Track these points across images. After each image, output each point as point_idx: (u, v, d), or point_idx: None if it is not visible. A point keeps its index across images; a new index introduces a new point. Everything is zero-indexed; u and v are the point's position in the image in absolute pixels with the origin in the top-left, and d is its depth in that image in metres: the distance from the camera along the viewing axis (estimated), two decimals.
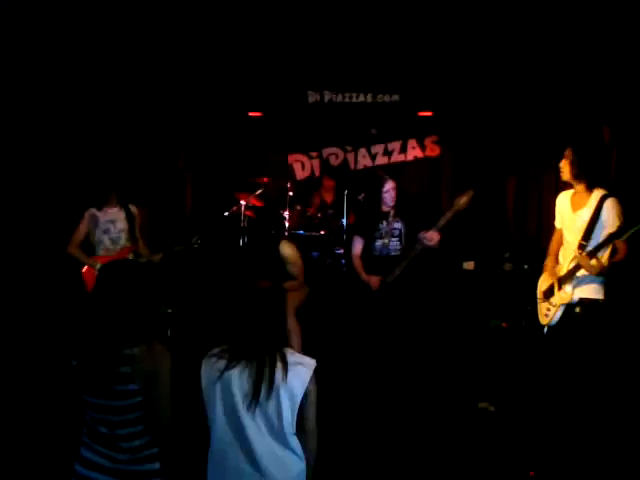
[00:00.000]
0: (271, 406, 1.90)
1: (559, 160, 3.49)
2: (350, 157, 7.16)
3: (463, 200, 3.99)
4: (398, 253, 4.34)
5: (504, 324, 5.09)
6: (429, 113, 6.62)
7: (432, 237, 4.06)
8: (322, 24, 5.23)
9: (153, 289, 2.12)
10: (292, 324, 4.05)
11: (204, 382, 1.97)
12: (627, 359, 3.98)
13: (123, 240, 4.34)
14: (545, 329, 3.54)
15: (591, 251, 3.23)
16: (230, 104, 6.46)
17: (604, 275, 3.29)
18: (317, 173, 7.18)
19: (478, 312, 5.29)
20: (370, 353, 4.24)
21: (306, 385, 1.92)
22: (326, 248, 6.06)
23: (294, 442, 1.94)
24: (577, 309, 3.39)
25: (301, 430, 1.95)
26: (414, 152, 7.07)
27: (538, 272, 3.75)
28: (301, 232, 6.03)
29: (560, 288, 3.44)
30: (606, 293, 3.37)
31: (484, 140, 6.55)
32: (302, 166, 7.25)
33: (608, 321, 3.49)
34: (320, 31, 5.38)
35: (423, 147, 7.05)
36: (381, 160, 7.12)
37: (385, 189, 4.34)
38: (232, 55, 5.72)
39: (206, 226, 6.09)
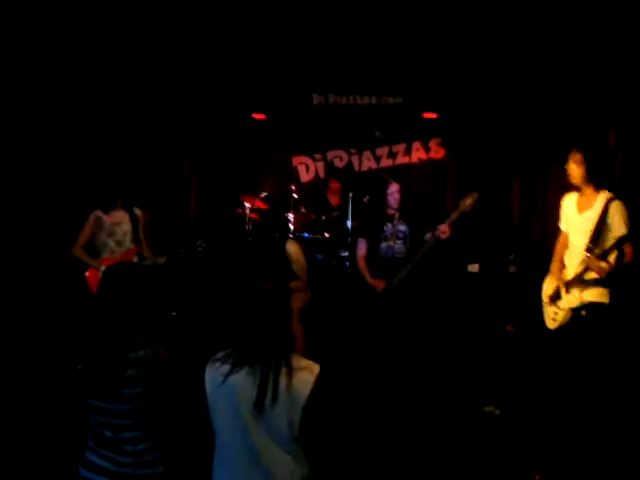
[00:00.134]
0: (275, 411, 1.88)
1: (564, 163, 3.49)
2: (354, 159, 7.15)
3: (468, 202, 4.00)
4: (403, 255, 4.34)
5: (509, 327, 5.07)
6: (434, 115, 6.59)
7: (445, 230, 4.08)
8: (326, 26, 5.22)
9: (158, 292, 2.13)
10: (295, 327, 4.04)
11: (208, 386, 1.96)
12: (633, 363, 3.95)
13: (127, 242, 4.35)
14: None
15: (600, 254, 3.22)
16: (234, 107, 6.46)
17: (609, 279, 3.28)
18: (322, 175, 7.18)
19: (483, 315, 5.27)
20: (375, 356, 4.23)
21: (310, 390, 1.91)
22: (331, 251, 6.05)
23: (298, 447, 1.93)
24: (583, 312, 3.38)
25: (305, 435, 1.94)
26: (418, 154, 7.05)
27: (543, 275, 3.74)
28: (306, 235, 6.03)
29: (568, 291, 3.42)
30: (611, 297, 3.36)
31: (489, 142, 6.53)
32: (307, 168, 7.24)
33: (614, 325, 3.48)
34: (324, 33, 5.37)
35: (427, 149, 7.03)
36: (385, 162, 7.10)
37: (390, 191, 4.35)
38: (236, 58, 5.72)
39: (210, 229, 6.09)
